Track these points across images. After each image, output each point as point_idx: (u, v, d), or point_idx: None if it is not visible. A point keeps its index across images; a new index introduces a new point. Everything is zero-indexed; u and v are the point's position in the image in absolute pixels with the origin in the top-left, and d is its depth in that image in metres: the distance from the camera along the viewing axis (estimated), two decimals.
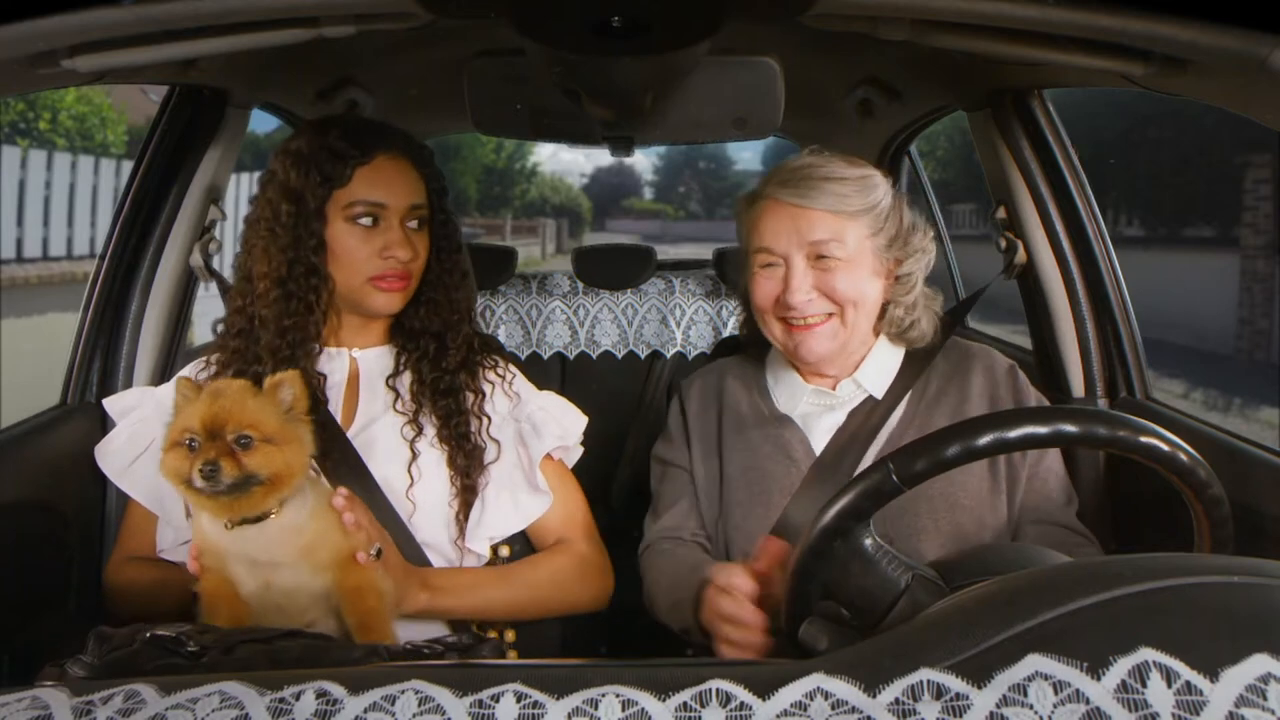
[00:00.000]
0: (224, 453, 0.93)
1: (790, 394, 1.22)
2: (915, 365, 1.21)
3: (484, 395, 1.22)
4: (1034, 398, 1.20)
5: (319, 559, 0.99)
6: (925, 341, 1.21)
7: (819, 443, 1.19)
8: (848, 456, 1.16)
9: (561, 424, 1.23)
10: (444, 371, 1.19)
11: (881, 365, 1.20)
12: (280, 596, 0.99)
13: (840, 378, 1.20)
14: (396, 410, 1.18)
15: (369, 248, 1.13)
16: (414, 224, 1.16)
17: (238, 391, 0.96)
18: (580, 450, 1.28)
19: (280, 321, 1.13)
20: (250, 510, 0.96)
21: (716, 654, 1.01)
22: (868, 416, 1.18)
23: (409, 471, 1.14)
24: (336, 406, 1.18)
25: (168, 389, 1.21)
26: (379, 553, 1.01)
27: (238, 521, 0.96)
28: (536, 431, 1.22)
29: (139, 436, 1.19)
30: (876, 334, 1.21)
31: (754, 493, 1.18)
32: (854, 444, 1.17)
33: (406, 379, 1.20)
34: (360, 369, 1.21)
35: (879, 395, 1.19)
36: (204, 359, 1.20)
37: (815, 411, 1.21)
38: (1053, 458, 1.18)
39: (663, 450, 1.30)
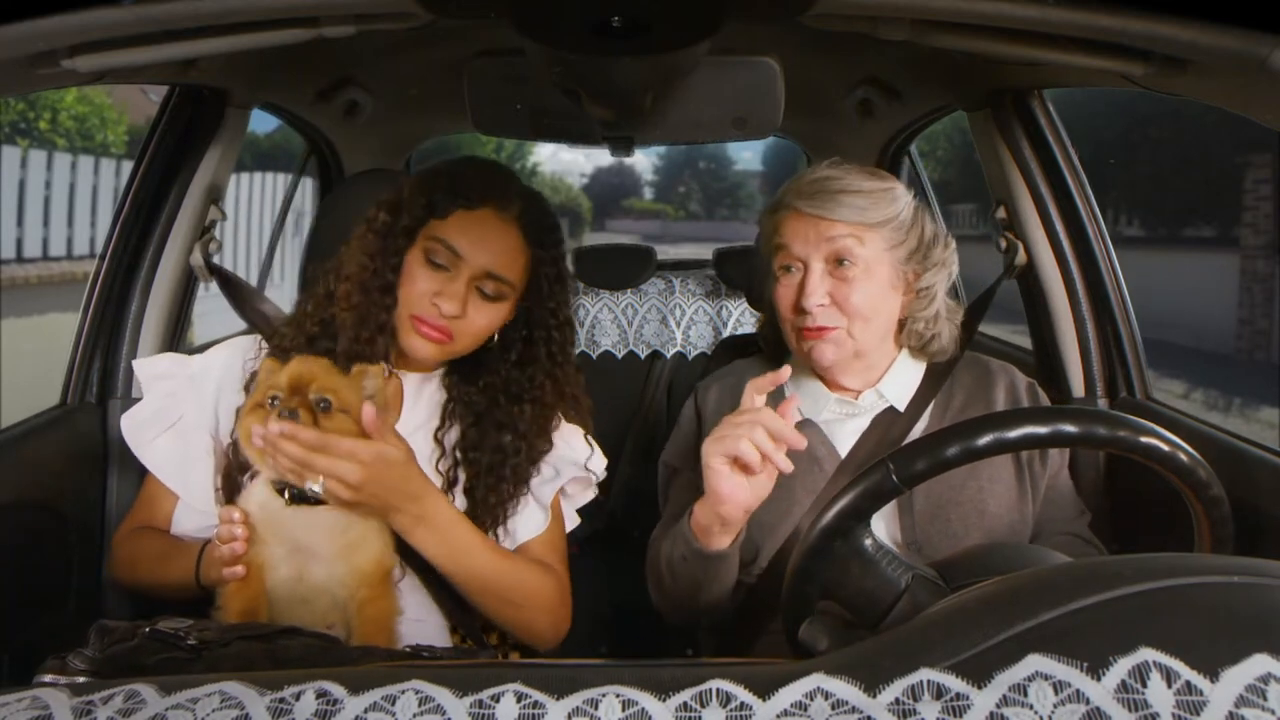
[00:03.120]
0: (305, 406, 0.96)
1: (813, 401, 1.22)
2: (936, 378, 1.22)
3: (534, 478, 1.16)
4: None
5: (356, 561, 1.00)
6: (947, 355, 1.22)
7: (843, 447, 1.19)
8: (873, 460, 1.16)
9: (579, 465, 1.20)
10: (504, 457, 1.13)
11: (903, 378, 1.21)
12: (308, 590, 1.00)
13: (863, 389, 1.21)
14: (436, 465, 1.12)
15: (426, 286, 1.08)
16: (488, 290, 1.10)
17: (324, 362, 1.00)
18: (595, 491, 1.25)
19: (357, 330, 1.09)
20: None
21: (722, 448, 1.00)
22: (890, 425, 1.19)
23: None
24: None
25: (202, 360, 1.16)
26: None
27: (296, 496, 0.98)
28: (558, 473, 1.18)
29: (168, 411, 1.13)
30: (899, 347, 1.22)
31: (778, 492, 1.17)
32: (879, 449, 1.17)
33: (454, 435, 1.14)
34: (405, 389, 1.17)
35: (901, 407, 1.20)
36: (258, 343, 1.16)
37: (838, 419, 1.21)
38: (1066, 471, 1.20)
39: (671, 456, 1.29)
